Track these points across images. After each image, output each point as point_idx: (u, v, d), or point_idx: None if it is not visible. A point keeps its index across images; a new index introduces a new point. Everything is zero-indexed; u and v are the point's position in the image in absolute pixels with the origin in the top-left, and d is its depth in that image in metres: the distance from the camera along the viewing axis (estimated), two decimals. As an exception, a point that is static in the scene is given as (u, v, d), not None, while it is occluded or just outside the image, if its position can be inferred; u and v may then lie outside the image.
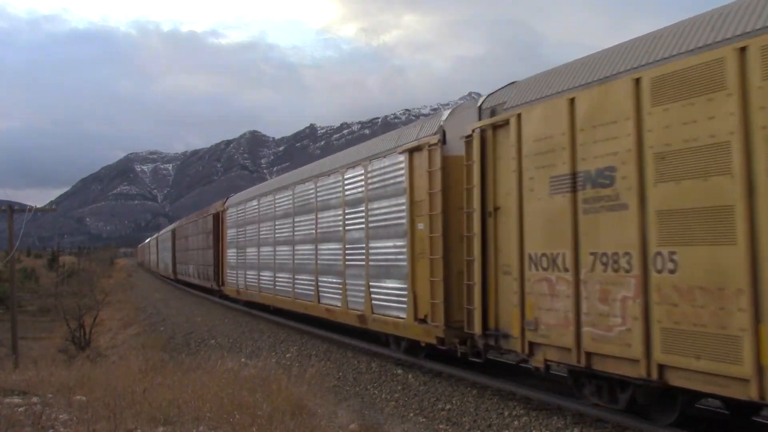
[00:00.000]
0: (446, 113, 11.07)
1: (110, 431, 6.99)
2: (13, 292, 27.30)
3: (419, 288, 11.09)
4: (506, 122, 8.98)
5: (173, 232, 46.88)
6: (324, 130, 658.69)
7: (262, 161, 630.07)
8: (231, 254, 25.35)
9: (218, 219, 27.77)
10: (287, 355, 14.72)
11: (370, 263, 12.92)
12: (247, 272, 22.51)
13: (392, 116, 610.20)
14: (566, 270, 7.81)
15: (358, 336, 14.72)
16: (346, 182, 14.32)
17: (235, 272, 24.56)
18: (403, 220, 11.61)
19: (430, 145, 10.89)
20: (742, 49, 5.85)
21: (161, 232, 66.93)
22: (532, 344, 8.42)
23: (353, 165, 14.08)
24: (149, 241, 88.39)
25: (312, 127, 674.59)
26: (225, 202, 27.19)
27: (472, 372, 10.53)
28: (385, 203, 12.43)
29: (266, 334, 17.92)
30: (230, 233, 25.55)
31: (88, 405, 8.26)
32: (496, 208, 9.23)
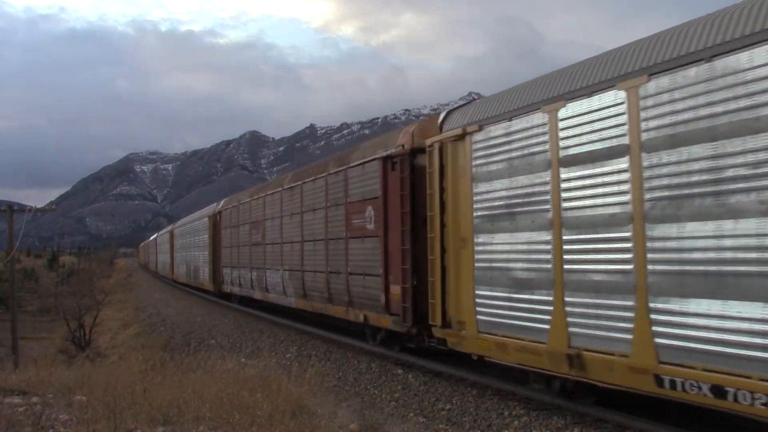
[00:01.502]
0: None
1: (110, 431, 7.00)
2: (13, 292, 27.29)
3: None
4: None
5: (214, 218, 30.06)
6: (324, 130, 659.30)
7: (262, 161, 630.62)
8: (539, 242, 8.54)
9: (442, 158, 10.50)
10: (287, 355, 14.72)
11: None
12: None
13: (392, 116, 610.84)
14: None
15: (358, 336, 14.70)
16: None
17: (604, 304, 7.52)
18: None
19: None
20: None
21: (179, 223, 48.30)
22: None
23: None
24: (156, 238, 70.86)
25: (312, 127, 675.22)
26: (459, 113, 10.62)
27: (472, 372, 10.53)
28: None
29: (266, 334, 17.92)
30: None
31: (88, 405, 8.27)
32: None
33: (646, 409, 8.06)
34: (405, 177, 11.49)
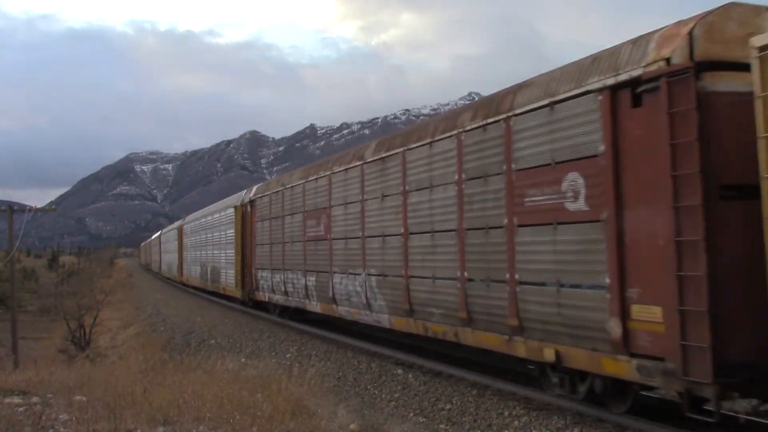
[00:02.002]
0: None
1: (110, 431, 7.00)
2: (13, 292, 27.31)
3: None
4: None
5: (242, 209, 24.19)
6: (324, 130, 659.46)
7: (262, 161, 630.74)
8: None
9: None
10: (287, 356, 14.73)
11: None
12: None
13: (392, 116, 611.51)
14: None
15: (356, 336, 14.75)
16: None
17: None
18: None
19: None
20: None
21: (190, 218, 41.27)
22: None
23: None
24: (160, 236, 62.63)
25: (312, 127, 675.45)
26: None
27: (472, 372, 10.54)
28: None
29: (266, 334, 17.92)
30: None
31: (88, 405, 8.27)
32: None
33: (646, 409, 8.06)
34: (685, 112, 6.55)
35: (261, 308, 22.05)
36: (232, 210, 25.54)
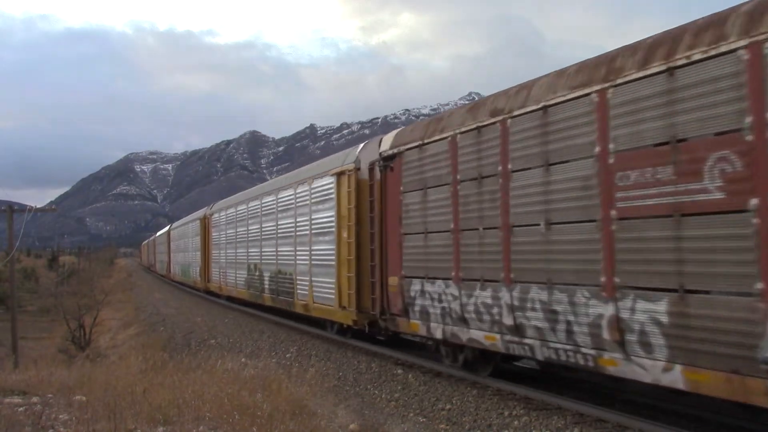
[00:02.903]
0: None
1: (110, 431, 7.00)
2: (13, 292, 27.30)
3: None
4: None
5: (356, 174, 14.05)
6: (324, 130, 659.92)
7: (262, 161, 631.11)
8: None
9: None
10: (287, 355, 14.73)
11: None
12: None
13: (392, 116, 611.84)
14: None
15: (358, 336, 14.73)
16: None
17: None
18: None
19: None
20: None
21: (220, 205, 30.05)
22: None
23: None
24: (169, 232, 52.33)
25: (312, 127, 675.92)
26: None
27: (472, 372, 10.53)
28: None
29: (266, 334, 17.93)
30: None
31: (88, 405, 8.27)
32: None
33: (646, 408, 8.07)
34: None
35: (400, 342, 14.01)
36: (329, 180, 15.46)
